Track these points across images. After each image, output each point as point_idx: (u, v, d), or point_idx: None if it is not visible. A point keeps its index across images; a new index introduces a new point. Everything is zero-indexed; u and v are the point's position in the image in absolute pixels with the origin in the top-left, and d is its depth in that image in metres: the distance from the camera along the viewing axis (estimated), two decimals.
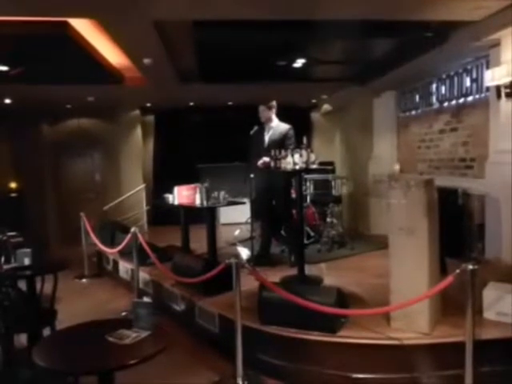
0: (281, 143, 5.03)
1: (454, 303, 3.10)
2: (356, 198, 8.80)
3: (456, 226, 4.97)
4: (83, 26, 4.58)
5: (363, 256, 5.99)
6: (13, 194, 8.66)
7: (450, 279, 2.69)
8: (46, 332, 3.57)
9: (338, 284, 4.02)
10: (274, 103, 5.37)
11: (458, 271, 2.64)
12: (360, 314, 3.50)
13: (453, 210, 5.05)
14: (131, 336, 2.38)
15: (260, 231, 5.80)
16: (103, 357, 2.27)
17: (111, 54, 5.59)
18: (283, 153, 4.44)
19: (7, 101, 7.99)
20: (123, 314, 4.64)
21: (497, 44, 4.64)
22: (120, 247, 5.63)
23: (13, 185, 8.79)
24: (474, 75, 5.55)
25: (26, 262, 4.00)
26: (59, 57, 5.40)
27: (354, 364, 3.10)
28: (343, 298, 3.51)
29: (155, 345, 2.31)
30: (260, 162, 5.04)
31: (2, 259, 4.12)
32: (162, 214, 8.50)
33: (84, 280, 6.56)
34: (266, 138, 5.35)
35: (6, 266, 3.99)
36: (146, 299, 2.77)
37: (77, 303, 5.31)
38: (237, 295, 3.19)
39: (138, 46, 5.15)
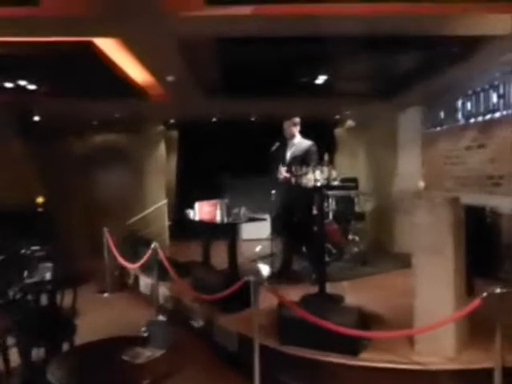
0: (302, 160, 5.00)
1: (483, 324, 2.94)
2: (380, 214, 8.64)
3: (483, 245, 4.81)
4: (107, 44, 4.66)
5: (387, 275, 5.85)
6: (39, 209, 8.80)
7: (477, 302, 2.58)
8: (66, 346, 3.57)
9: (359, 303, 3.91)
10: (298, 120, 5.35)
11: (485, 294, 2.54)
12: (381, 337, 3.38)
13: (480, 228, 4.89)
14: (145, 355, 2.35)
15: (281, 248, 5.74)
16: (116, 376, 2.24)
17: (135, 70, 5.68)
18: (304, 169, 4.41)
19: (36, 118, 8.21)
20: (143, 329, 4.61)
21: None
22: (140, 262, 5.65)
23: (39, 199, 8.94)
24: (501, 91, 5.42)
25: (48, 276, 4.04)
26: (85, 74, 5.54)
27: None
28: (364, 319, 3.42)
29: (168, 365, 2.27)
30: (280, 177, 5.03)
31: (25, 273, 4.18)
32: (184, 229, 8.51)
33: (106, 294, 6.58)
34: (288, 154, 5.33)
35: (27, 280, 4.04)
36: (160, 318, 2.74)
37: (97, 317, 5.31)
38: (255, 314, 3.13)
39: (161, 64, 5.24)
